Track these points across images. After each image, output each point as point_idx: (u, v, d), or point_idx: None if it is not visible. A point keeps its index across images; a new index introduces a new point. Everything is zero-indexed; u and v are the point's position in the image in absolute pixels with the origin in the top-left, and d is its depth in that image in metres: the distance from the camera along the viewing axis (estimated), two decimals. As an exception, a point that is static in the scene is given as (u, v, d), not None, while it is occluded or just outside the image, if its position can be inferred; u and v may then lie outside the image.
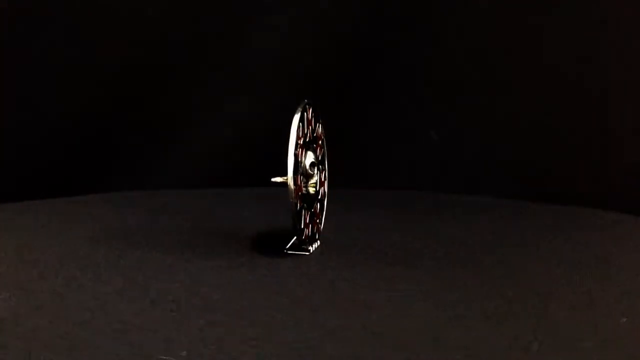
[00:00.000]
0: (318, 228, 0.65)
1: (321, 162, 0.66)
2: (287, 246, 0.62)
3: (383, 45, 0.80)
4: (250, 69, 0.84)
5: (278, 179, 0.61)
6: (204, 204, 0.80)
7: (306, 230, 0.62)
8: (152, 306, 0.49)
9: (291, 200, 0.59)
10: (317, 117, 0.65)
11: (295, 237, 0.62)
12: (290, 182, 0.59)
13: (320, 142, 0.66)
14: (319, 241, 0.64)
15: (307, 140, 0.62)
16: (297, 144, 0.59)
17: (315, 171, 0.63)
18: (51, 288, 0.52)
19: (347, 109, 0.78)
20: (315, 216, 0.64)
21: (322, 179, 0.66)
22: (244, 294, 0.51)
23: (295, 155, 0.59)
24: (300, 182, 0.61)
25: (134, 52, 0.83)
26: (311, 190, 0.63)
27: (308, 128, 0.63)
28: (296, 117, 0.60)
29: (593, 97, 0.72)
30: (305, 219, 0.61)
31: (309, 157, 0.62)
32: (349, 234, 0.67)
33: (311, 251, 0.62)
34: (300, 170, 0.61)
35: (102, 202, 0.79)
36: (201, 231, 0.68)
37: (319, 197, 0.65)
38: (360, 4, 0.80)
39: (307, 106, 0.62)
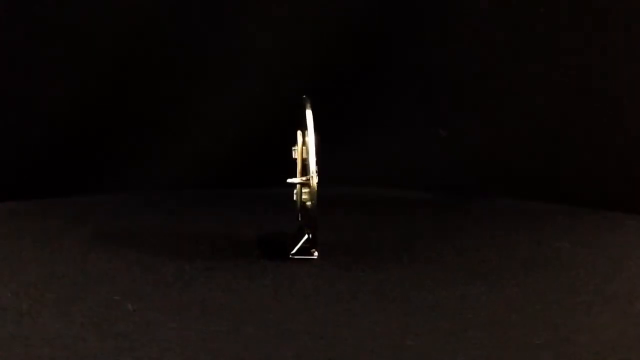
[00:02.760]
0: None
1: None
2: (294, 251, 0.59)
3: (384, 42, 0.79)
4: (247, 66, 0.80)
5: (295, 180, 0.57)
6: (199, 205, 0.76)
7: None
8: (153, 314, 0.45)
9: (312, 202, 0.56)
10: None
11: (302, 241, 0.58)
12: (314, 182, 0.56)
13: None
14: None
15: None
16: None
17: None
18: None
19: (347, 107, 0.76)
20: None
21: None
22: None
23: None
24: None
25: (129, 48, 0.79)
26: (314, 190, 0.60)
27: (307, 125, 0.60)
28: (309, 113, 0.57)
29: (599, 97, 0.73)
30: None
31: (312, 156, 0.59)
32: (343, 235, 0.64)
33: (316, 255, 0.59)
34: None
35: (96, 204, 0.75)
36: (199, 234, 0.64)
37: None
38: None
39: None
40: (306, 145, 0.58)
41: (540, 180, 0.74)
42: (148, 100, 0.80)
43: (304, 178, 0.56)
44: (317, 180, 0.56)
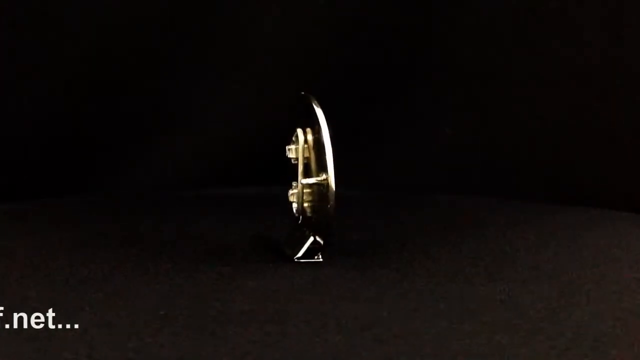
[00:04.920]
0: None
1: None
2: (300, 254, 0.56)
3: (384, 40, 0.77)
4: (245, 61, 0.78)
5: (311, 180, 0.54)
6: (194, 206, 0.72)
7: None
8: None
9: (331, 203, 0.53)
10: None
11: (307, 244, 0.56)
12: (332, 182, 0.53)
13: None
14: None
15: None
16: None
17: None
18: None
19: (346, 106, 0.73)
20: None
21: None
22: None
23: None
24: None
25: (121, 43, 0.76)
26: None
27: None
28: (320, 111, 0.55)
29: (600, 97, 0.73)
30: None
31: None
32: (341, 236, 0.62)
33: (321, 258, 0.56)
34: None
35: (89, 205, 0.72)
36: (198, 236, 0.61)
37: None
38: None
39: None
40: (308, 144, 0.56)
41: (540, 180, 0.75)
42: (143, 99, 0.77)
43: (320, 178, 0.54)
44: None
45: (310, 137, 0.56)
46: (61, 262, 0.53)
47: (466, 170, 0.77)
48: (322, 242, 0.55)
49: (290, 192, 0.57)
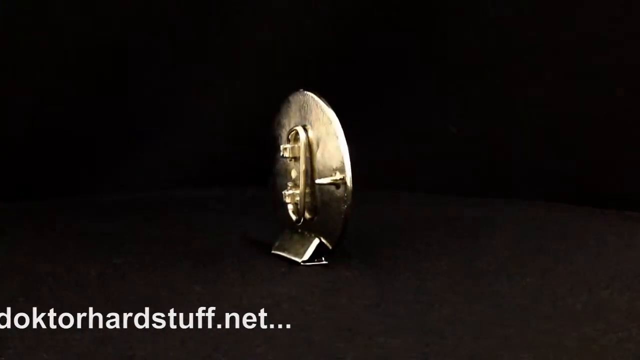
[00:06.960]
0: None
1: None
2: (306, 257, 0.54)
3: (383, 38, 0.76)
4: (240, 56, 0.76)
5: (325, 181, 0.52)
6: (190, 207, 0.70)
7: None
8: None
9: (347, 203, 0.51)
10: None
11: (313, 247, 0.54)
12: (349, 181, 0.51)
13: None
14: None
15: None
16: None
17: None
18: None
19: (345, 105, 0.71)
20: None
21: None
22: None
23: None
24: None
25: (113, 38, 0.74)
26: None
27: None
28: (329, 109, 0.53)
29: (601, 96, 0.73)
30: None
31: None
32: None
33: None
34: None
35: (81, 206, 0.70)
36: (196, 238, 0.58)
37: None
38: None
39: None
40: (310, 142, 0.54)
41: (542, 180, 0.75)
42: (141, 99, 0.75)
43: (336, 178, 0.52)
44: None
45: (311, 134, 0.54)
46: (58, 269, 0.50)
47: (467, 169, 0.77)
48: (330, 245, 0.53)
49: (287, 192, 0.55)
